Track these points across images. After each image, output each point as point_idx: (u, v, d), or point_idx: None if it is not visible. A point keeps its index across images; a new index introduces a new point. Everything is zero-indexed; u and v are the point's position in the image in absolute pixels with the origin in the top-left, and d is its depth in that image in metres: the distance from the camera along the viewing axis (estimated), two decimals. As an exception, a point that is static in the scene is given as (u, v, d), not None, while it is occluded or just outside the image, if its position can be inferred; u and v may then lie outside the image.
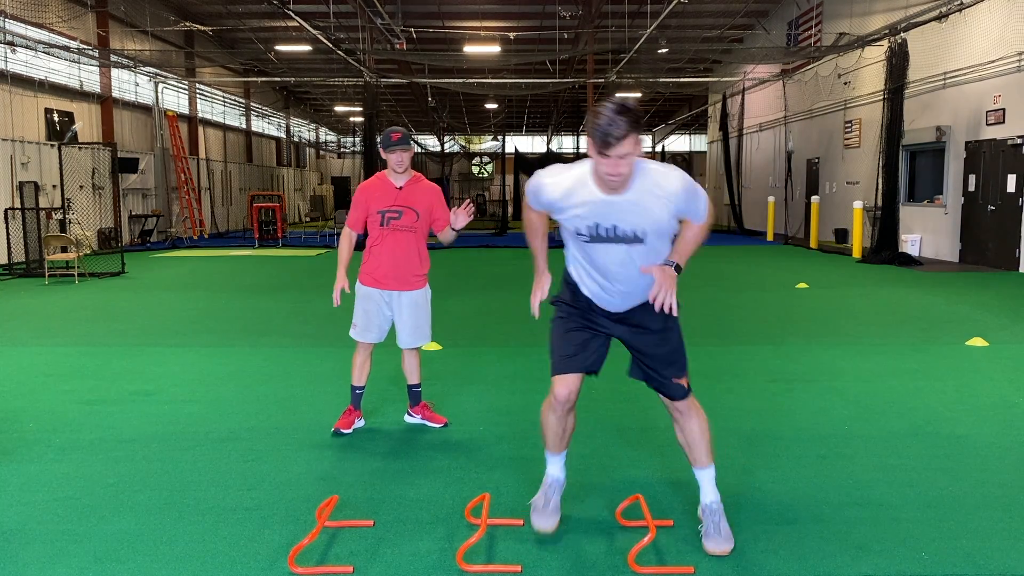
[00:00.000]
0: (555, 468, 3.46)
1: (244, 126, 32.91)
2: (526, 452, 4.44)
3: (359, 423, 4.88)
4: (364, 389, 4.87)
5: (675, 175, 3.04)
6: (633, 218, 3.02)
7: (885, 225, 15.64)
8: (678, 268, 3.14)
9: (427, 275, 4.89)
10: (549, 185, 3.11)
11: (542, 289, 3.40)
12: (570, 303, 3.31)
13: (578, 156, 27.40)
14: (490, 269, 15.02)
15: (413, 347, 4.85)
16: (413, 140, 4.99)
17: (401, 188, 4.68)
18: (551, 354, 3.31)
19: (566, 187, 3.06)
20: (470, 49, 24.79)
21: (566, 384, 3.24)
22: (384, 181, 4.73)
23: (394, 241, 4.67)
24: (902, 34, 15.59)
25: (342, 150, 48.14)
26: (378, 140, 4.87)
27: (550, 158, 38.92)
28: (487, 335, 8.04)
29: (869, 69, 17.67)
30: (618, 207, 3.00)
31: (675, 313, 3.10)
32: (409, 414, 5.00)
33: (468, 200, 4.71)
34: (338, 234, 20.96)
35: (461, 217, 4.55)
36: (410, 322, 4.77)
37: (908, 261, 14.80)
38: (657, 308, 3.06)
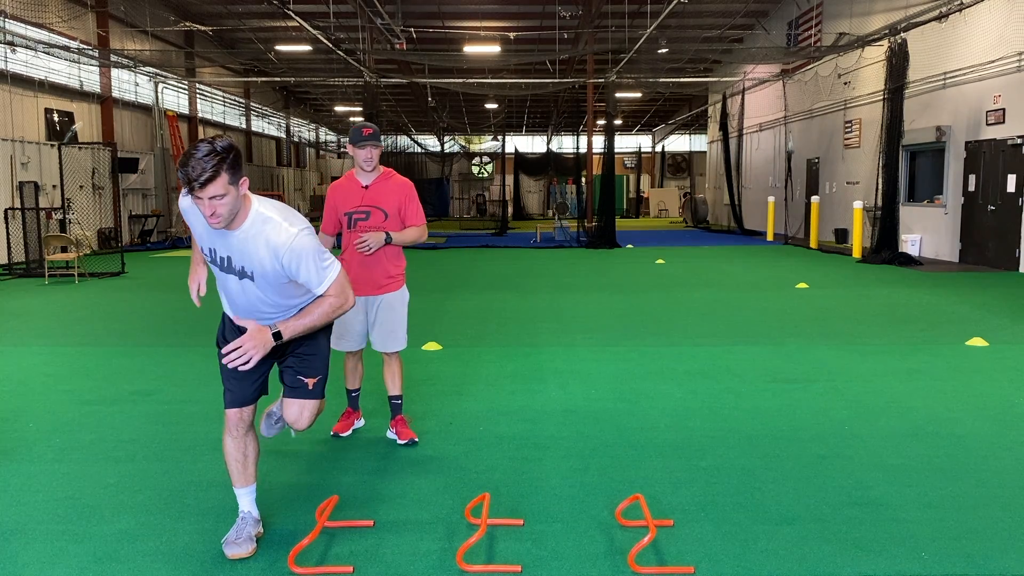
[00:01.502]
0: (247, 501, 3.35)
1: (244, 126, 32.92)
2: (526, 452, 4.44)
3: (359, 423, 4.85)
4: (359, 391, 4.79)
5: (288, 234, 2.91)
6: (240, 256, 2.98)
7: (885, 225, 15.65)
8: (278, 335, 3.00)
9: (403, 275, 4.60)
10: (183, 198, 3.05)
11: (198, 276, 3.38)
12: (226, 334, 3.32)
13: (578, 156, 27.33)
14: (490, 269, 15.03)
15: (387, 352, 4.59)
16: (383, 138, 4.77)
17: (367, 187, 4.42)
18: (224, 382, 3.28)
19: (186, 206, 3.05)
20: (470, 49, 24.79)
21: (238, 414, 3.26)
22: (351, 180, 4.47)
23: None
24: (902, 34, 15.59)
25: (342, 150, 48.15)
26: (348, 136, 4.60)
27: (550, 158, 39.05)
28: (487, 335, 8.04)
29: (869, 69, 17.67)
30: (228, 241, 2.97)
31: (242, 369, 3.01)
32: (390, 427, 4.72)
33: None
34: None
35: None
36: (383, 326, 4.51)
37: (908, 261, 14.80)
38: (226, 357, 2.96)
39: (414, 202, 4.51)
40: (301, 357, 3.32)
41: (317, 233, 4.31)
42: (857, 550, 3.21)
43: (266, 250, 2.93)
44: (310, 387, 3.33)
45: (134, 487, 3.93)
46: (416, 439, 4.60)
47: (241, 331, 3.18)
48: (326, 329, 3.39)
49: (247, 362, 2.95)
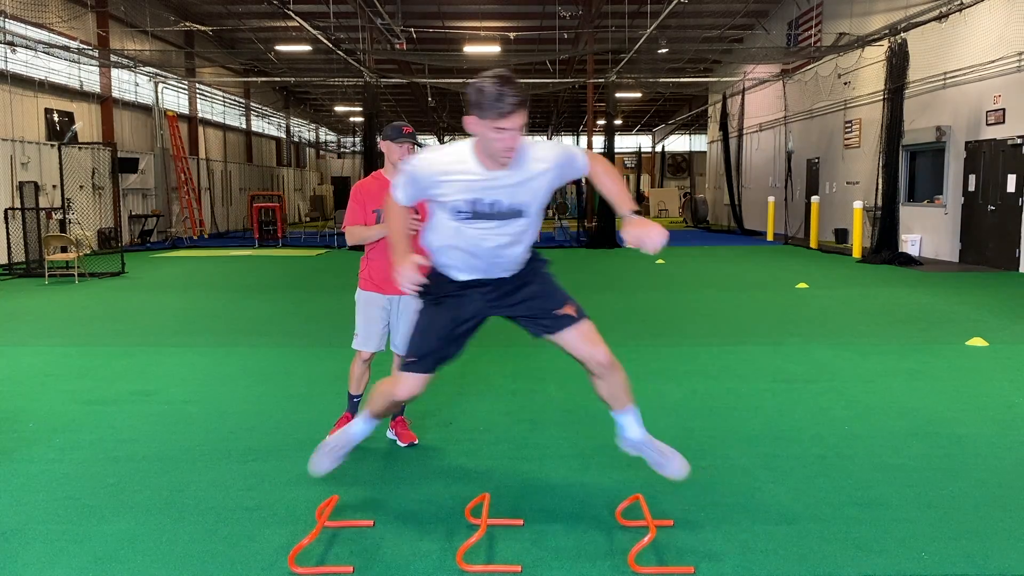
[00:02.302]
0: (370, 429, 3.50)
1: (244, 126, 32.91)
2: (526, 452, 4.44)
3: None
4: (362, 397, 4.68)
5: (549, 143, 3.09)
6: (516, 192, 3.01)
7: (885, 225, 15.65)
8: (637, 212, 3.09)
9: None
10: (424, 163, 3.03)
11: (414, 260, 3.11)
12: (435, 294, 3.25)
13: (578, 156, 27.27)
14: (490, 269, 15.00)
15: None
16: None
17: None
18: (409, 345, 3.27)
19: (443, 164, 3.01)
20: (470, 49, 24.79)
21: (411, 384, 3.23)
22: (380, 179, 4.49)
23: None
24: (902, 34, 15.59)
25: (342, 150, 48.15)
26: (382, 133, 4.57)
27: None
28: (487, 335, 8.02)
29: (869, 69, 17.67)
30: (501, 182, 2.98)
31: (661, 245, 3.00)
32: (390, 428, 4.71)
33: None
34: (340, 235, 20.94)
35: None
36: (407, 326, 4.55)
37: (908, 261, 14.80)
38: (653, 248, 2.95)
39: None
40: (540, 298, 3.24)
41: (344, 228, 4.43)
42: (857, 550, 3.21)
43: (543, 169, 3.02)
44: (574, 313, 3.22)
45: (134, 487, 3.93)
46: (416, 441, 4.60)
47: (469, 285, 3.20)
48: (548, 268, 3.36)
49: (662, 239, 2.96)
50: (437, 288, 3.26)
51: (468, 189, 3.01)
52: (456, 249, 3.16)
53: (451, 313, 3.24)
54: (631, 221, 3.04)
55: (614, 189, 3.17)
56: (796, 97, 22.41)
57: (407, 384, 3.25)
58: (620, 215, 3.12)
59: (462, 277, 3.23)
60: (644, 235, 2.96)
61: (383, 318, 4.49)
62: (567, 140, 43.27)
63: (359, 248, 4.52)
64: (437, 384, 5.94)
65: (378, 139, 4.30)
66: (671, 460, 3.29)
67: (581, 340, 3.21)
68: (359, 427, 3.49)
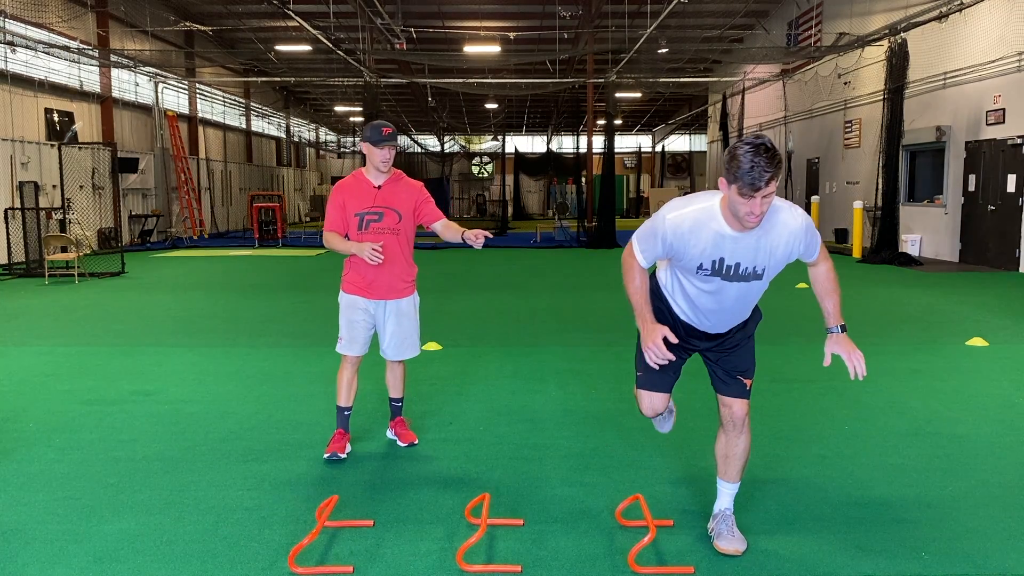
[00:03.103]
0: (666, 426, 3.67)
1: (244, 126, 32.91)
2: (526, 452, 4.44)
3: (349, 448, 4.47)
4: (351, 410, 4.50)
5: (799, 213, 3.06)
6: (758, 255, 3.01)
7: (885, 225, 15.65)
8: (844, 328, 3.25)
9: (415, 281, 4.49)
10: (672, 226, 2.96)
11: (660, 331, 3.01)
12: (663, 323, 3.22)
13: (578, 156, 27.32)
14: (490, 269, 15.02)
15: (399, 359, 4.51)
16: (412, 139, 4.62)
17: (380, 187, 4.29)
18: (637, 369, 3.35)
19: (688, 227, 2.95)
20: (470, 49, 24.78)
21: (652, 401, 3.36)
22: (361, 180, 4.31)
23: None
24: (902, 34, 15.59)
25: (342, 150, 48.13)
26: (362, 133, 4.46)
27: (550, 158, 39.03)
28: (487, 335, 8.04)
29: (869, 69, 17.67)
30: (744, 244, 2.97)
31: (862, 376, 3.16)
32: (389, 427, 4.69)
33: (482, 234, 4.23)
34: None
35: (479, 242, 4.22)
36: (397, 333, 4.40)
37: (908, 261, 14.80)
38: (856, 375, 3.14)
39: (430, 201, 4.44)
40: (736, 353, 3.31)
41: (323, 233, 4.30)
42: (857, 550, 3.21)
43: (783, 238, 3.01)
44: (747, 387, 3.32)
45: (134, 487, 3.93)
46: (416, 441, 4.59)
47: (693, 332, 3.28)
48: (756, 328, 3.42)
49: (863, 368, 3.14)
50: (661, 319, 3.23)
51: (714, 248, 2.98)
52: (682, 293, 3.20)
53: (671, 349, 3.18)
54: (839, 339, 3.20)
55: (832, 294, 3.28)
56: (796, 97, 22.41)
57: (644, 400, 3.38)
58: (828, 327, 3.23)
59: (682, 317, 3.27)
60: (853, 357, 3.14)
61: (367, 322, 4.39)
62: (567, 141, 43.42)
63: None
64: (437, 384, 5.95)
65: (358, 139, 4.21)
66: (734, 538, 3.23)
67: (738, 403, 3.30)
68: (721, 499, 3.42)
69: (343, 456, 4.35)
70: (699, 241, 2.96)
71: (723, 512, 3.33)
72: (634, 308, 3.12)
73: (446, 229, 4.39)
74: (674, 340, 3.04)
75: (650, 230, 3.03)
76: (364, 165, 4.42)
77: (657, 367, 3.08)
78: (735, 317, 3.23)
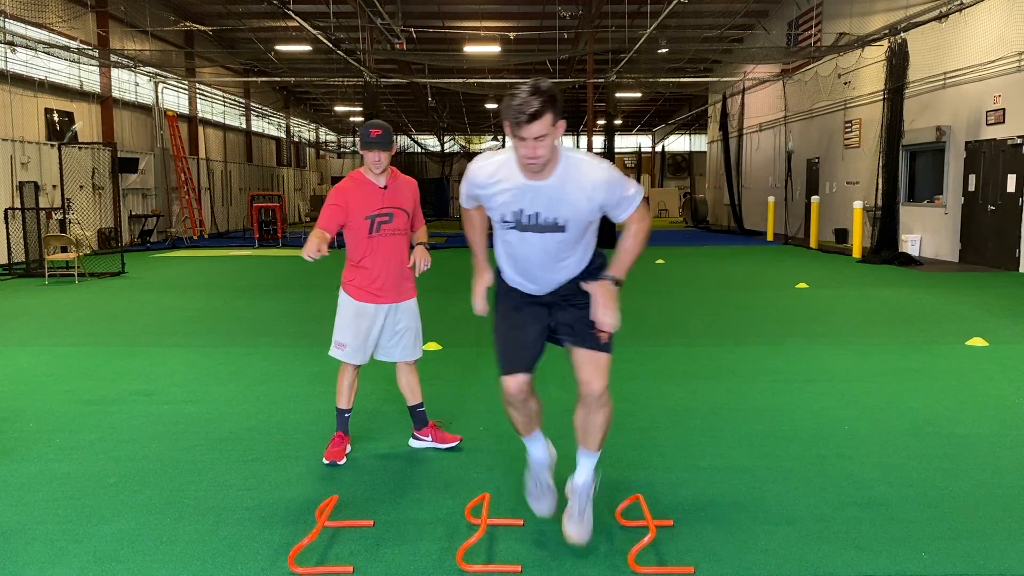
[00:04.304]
0: (535, 449, 3.40)
1: (244, 126, 32.91)
2: (526, 452, 4.43)
3: (349, 449, 4.45)
4: (351, 411, 4.48)
5: (601, 166, 3.00)
6: (555, 205, 2.98)
7: (885, 225, 15.65)
8: (618, 283, 3.07)
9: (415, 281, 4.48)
10: (476, 169, 3.08)
11: (483, 283, 3.36)
12: (505, 298, 3.27)
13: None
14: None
15: (411, 360, 4.48)
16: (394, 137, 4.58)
17: (386, 188, 4.23)
18: (496, 352, 3.26)
19: (491, 170, 3.04)
20: (470, 49, 24.79)
21: (516, 381, 3.18)
22: (364, 182, 4.22)
23: (388, 248, 4.24)
24: (902, 34, 15.59)
25: (342, 150, 48.15)
26: (358, 133, 4.42)
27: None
28: (487, 335, 8.03)
29: (869, 69, 17.67)
30: (541, 193, 2.97)
31: (612, 330, 3.05)
32: (416, 437, 4.55)
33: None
34: (338, 235, 20.89)
35: (420, 268, 4.28)
36: (407, 334, 4.39)
37: (908, 261, 14.80)
38: (602, 328, 3.03)
39: (418, 203, 4.49)
40: (583, 309, 3.14)
41: (313, 230, 4.26)
42: (857, 550, 3.21)
43: (584, 189, 2.95)
44: (605, 339, 3.12)
45: (134, 487, 3.93)
46: (460, 440, 4.53)
47: (528, 299, 3.20)
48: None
49: (615, 323, 3.01)
50: (505, 293, 3.27)
51: (512, 198, 3.01)
52: (509, 258, 3.19)
53: (517, 319, 3.23)
54: (605, 286, 3.04)
55: (626, 247, 3.12)
56: (796, 97, 22.41)
57: (508, 384, 3.20)
58: (605, 274, 3.09)
59: (511, 283, 3.25)
60: (601, 309, 3.00)
61: (375, 329, 4.33)
62: (567, 141, 43.38)
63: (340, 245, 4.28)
64: (437, 384, 5.95)
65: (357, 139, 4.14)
66: (583, 523, 3.16)
67: (591, 363, 3.14)
68: (532, 454, 3.41)
69: (341, 463, 4.28)
70: (500, 187, 3.01)
71: (576, 486, 3.21)
72: (473, 253, 3.44)
73: (421, 235, 4.48)
74: (480, 291, 3.33)
75: (466, 176, 3.14)
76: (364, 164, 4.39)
77: (515, 351, 3.16)
78: (552, 274, 3.14)
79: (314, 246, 3.79)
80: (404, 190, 4.33)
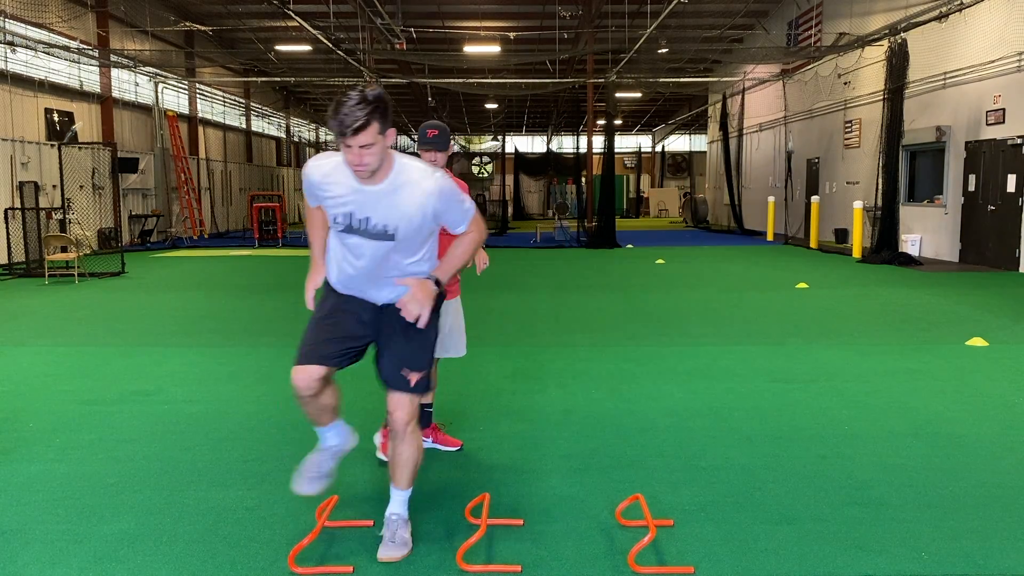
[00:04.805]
0: (329, 437, 3.34)
1: (244, 126, 32.90)
2: (526, 453, 4.44)
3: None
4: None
5: (434, 175, 2.99)
6: (385, 212, 2.97)
7: (885, 225, 15.65)
8: (437, 283, 3.08)
9: None
10: (312, 168, 3.07)
11: (314, 281, 3.33)
12: (327, 297, 3.26)
13: (578, 156, 27.34)
14: (490, 269, 14.97)
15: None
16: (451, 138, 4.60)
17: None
18: (300, 344, 3.22)
19: (325, 170, 3.03)
20: (470, 49, 24.79)
21: (305, 374, 3.08)
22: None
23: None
24: (902, 34, 15.59)
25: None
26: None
27: (550, 158, 39.04)
28: (487, 335, 8.03)
29: (869, 69, 17.67)
30: (371, 197, 2.96)
31: (421, 326, 3.06)
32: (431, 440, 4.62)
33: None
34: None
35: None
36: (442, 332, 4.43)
37: (908, 261, 14.80)
38: (409, 318, 3.03)
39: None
40: (410, 341, 3.15)
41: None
42: (857, 550, 3.21)
43: (415, 198, 2.95)
44: (411, 383, 3.16)
45: (134, 487, 3.93)
46: (462, 445, 4.51)
47: (353, 301, 3.18)
48: (435, 319, 3.23)
49: (424, 316, 3.03)
50: (328, 293, 3.26)
51: (344, 200, 3.00)
52: (337, 257, 3.16)
53: (331, 316, 3.18)
54: (422, 283, 3.04)
55: (456, 253, 3.13)
56: (796, 97, 22.41)
57: (296, 375, 3.11)
58: (429, 273, 3.12)
59: (340, 288, 3.21)
60: (411, 300, 3.01)
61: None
62: (567, 141, 43.43)
63: None
64: (437, 384, 5.93)
65: None
66: (394, 545, 3.16)
67: (398, 404, 3.18)
68: (328, 440, 3.36)
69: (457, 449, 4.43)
70: (334, 187, 3.01)
71: (388, 517, 3.25)
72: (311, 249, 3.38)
73: None
74: (311, 289, 3.30)
75: (303, 173, 3.13)
76: None
77: (312, 343, 3.10)
78: (377, 289, 3.13)
79: None
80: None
